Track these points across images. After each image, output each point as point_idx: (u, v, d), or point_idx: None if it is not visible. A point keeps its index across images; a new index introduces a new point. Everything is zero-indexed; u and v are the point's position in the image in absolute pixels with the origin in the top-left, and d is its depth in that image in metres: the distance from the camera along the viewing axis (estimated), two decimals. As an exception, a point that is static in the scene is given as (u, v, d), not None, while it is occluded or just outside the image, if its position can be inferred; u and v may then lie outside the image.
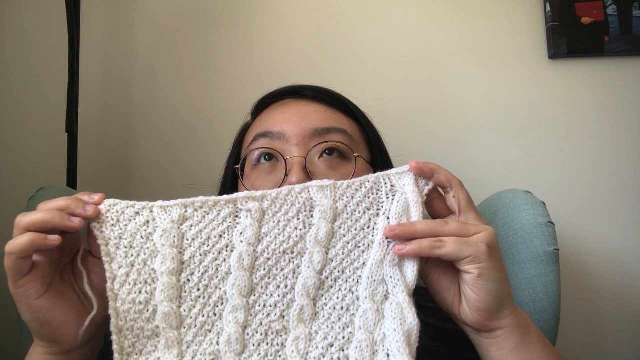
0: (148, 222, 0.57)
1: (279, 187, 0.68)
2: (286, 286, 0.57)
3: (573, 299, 1.20)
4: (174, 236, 0.56)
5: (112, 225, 0.56)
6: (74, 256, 0.59)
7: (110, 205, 0.57)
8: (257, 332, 0.55)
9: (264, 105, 0.83)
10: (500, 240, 0.91)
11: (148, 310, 0.54)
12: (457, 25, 1.32)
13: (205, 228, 0.57)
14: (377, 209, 0.59)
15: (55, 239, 0.52)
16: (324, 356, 0.54)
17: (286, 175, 0.69)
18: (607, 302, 1.24)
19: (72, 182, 1.12)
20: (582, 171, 1.27)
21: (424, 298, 0.63)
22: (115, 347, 0.53)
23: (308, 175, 0.68)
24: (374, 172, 0.77)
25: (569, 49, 1.27)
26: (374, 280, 0.56)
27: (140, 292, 0.55)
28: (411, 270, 0.57)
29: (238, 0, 1.35)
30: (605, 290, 1.24)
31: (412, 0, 1.34)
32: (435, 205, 0.62)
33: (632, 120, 1.27)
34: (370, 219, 0.59)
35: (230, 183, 0.82)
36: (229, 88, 1.33)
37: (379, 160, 0.79)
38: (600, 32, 1.27)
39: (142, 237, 0.56)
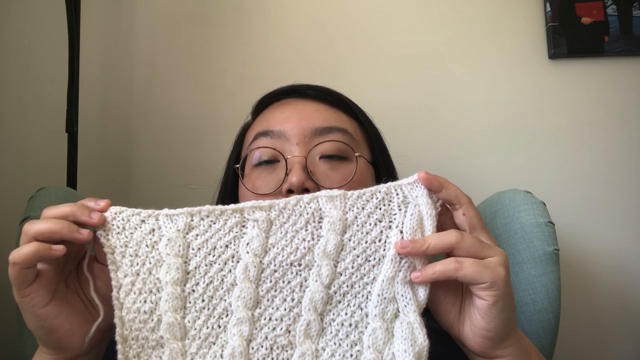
0: (154, 230, 0.56)
1: (279, 186, 0.68)
2: (293, 299, 0.55)
3: (573, 299, 1.20)
4: (179, 245, 0.55)
5: (118, 233, 0.55)
6: (79, 262, 0.58)
7: (116, 213, 0.56)
8: (262, 347, 0.54)
9: (264, 104, 0.83)
10: (500, 240, 0.91)
11: (152, 320, 0.54)
12: (457, 25, 1.32)
13: (211, 237, 0.56)
14: (389, 222, 0.57)
15: (59, 249, 0.52)
16: None
17: (286, 174, 0.68)
18: (607, 301, 1.24)
19: (72, 182, 1.12)
20: (582, 171, 1.27)
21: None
22: (120, 356, 0.53)
23: (308, 174, 0.68)
24: (375, 172, 0.77)
25: (569, 49, 1.27)
26: (385, 298, 0.55)
27: (145, 301, 0.54)
28: (423, 289, 0.55)
29: (239, 1, 1.35)
30: (606, 290, 1.24)
31: (413, 1, 1.34)
32: (442, 221, 0.59)
33: (631, 121, 1.27)
34: (381, 232, 0.57)
35: (231, 183, 0.82)
36: (230, 88, 1.33)
37: (380, 159, 0.79)
38: (600, 32, 1.27)
39: (147, 245, 0.56)
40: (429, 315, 0.58)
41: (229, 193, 0.82)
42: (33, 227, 0.52)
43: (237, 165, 0.77)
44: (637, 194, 1.25)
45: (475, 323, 0.54)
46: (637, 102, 1.27)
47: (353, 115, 0.80)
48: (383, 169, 0.79)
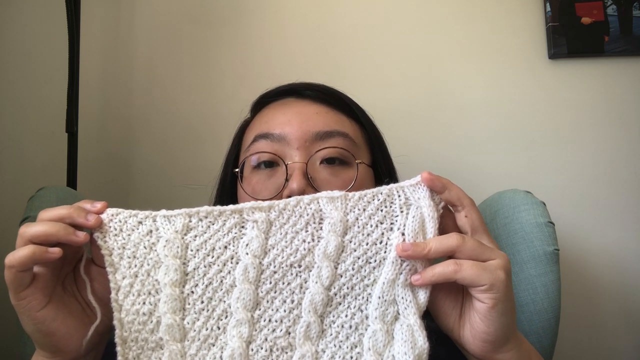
0: (151, 231, 0.56)
1: (280, 192, 0.68)
2: (292, 301, 0.55)
3: (573, 299, 1.20)
4: (178, 246, 0.55)
5: (115, 235, 0.55)
6: (76, 265, 0.58)
7: (112, 215, 0.56)
8: (261, 348, 0.54)
9: (263, 103, 0.82)
10: (500, 240, 0.91)
11: (152, 322, 0.54)
12: (457, 25, 1.32)
13: (209, 239, 0.56)
14: (391, 223, 0.57)
15: (56, 251, 0.51)
16: None
17: (287, 180, 0.68)
18: (607, 302, 1.24)
19: (72, 182, 1.12)
20: (582, 171, 1.27)
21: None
22: (120, 358, 0.53)
23: (309, 181, 0.67)
24: (375, 174, 0.77)
25: (569, 49, 1.27)
26: (385, 300, 0.55)
27: (143, 303, 0.54)
28: (423, 292, 0.55)
29: (238, 0, 1.35)
30: (605, 290, 1.24)
31: (413, 1, 1.34)
32: (443, 223, 0.58)
33: (632, 120, 1.27)
34: (383, 234, 0.57)
35: (230, 183, 0.81)
36: (229, 88, 1.33)
37: (381, 161, 0.79)
38: (600, 32, 1.27)
39: (145, 247, 0.55)
40: (429, 317, 0.58)
41: (227, 193, 0.81)
42: (29, 230, 0.52)
43: (237, 170, 0.76)
44: (637, 194, 1.25)
45: (475, 326, 0.54)
46: (637, 102, 1.27)
47: (354, 116, 0.79)
48: (383, 171, 0.78)
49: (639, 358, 1.23)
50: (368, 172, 0.75)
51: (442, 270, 0.53)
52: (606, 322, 1.24)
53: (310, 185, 0.67)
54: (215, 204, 0.82)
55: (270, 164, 0.72)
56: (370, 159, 0.78)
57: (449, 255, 0.55)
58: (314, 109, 0.75)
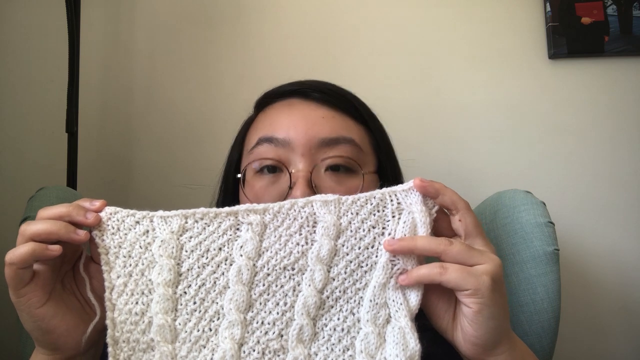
0: (147, 231, 0.56)
1: (283, 200, 0.66)
2: (285, 304, 0.55)
3: (573, 299, 1.20)
4: (173, 247, 0.56)
5: (113, 233, 0.56)
6: (75, 262, 0.58)
7: (111, 213, 0.56)
8: (253, 350, 0.54)
9: (268, 100, 0.80)
10: (500, 240, 0.91)
11: (144, 322, 0.54)
12: (457, 25, 1.32)
13: (204, 240, 0.56)
14: (383, 228, 0.57)
15: (56, 249, 0.52)
16: None
17: (290, 188, 0.67)
18: (607, 302, 1.24)
19: (72, 182, 1.12)
20: (582, 171, 1.27)
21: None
22: (110, 359, 0.53)
23: (313, 190, 0.67)
24: (381, 179, 0.76)
25: (569, 49, 1.27)
26: (376, 304, 0.55)
27: (136, 302, 0.54)
28: (415, 294, 0.56)
29: (238, 0, 1.35)
30: (605, 290, 1.24)
31: (412, 1, 1.34)
32: (439, 226, 0.58)
33: (632, 120, 1.27)
34: (374, 238, 0.57)
35: (233, 182, 0.80)
36: (229, 88, 1.33)
37: (387, 166, 0.77)
38: (600, 32, 1.27)
39: (140, 246, 0.56)
40: (425, 316, 0.58)
41: (230, 193, 0.81)
42: (30, 228, 0.52)
43: (239, 175, 0.75)
44: (637, 194, 1.25)
45: (464, 330, 0.54)
46: (637, 102, 1.27)
47: (361, 120, 0.77)
48: (389, 174, 0.77)
49: (639, 359, 1.23)
50: (373, 179, 0.74)
51: (427, 271, 0.53)
52: (606, 322, 1.24)
53: (314, 194, 0.66)
54: (218, 203, 0.82)
55: (274, 169, 0.70)
56: (376, 164, 0.76)
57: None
58: (320, 113, 0.73)
